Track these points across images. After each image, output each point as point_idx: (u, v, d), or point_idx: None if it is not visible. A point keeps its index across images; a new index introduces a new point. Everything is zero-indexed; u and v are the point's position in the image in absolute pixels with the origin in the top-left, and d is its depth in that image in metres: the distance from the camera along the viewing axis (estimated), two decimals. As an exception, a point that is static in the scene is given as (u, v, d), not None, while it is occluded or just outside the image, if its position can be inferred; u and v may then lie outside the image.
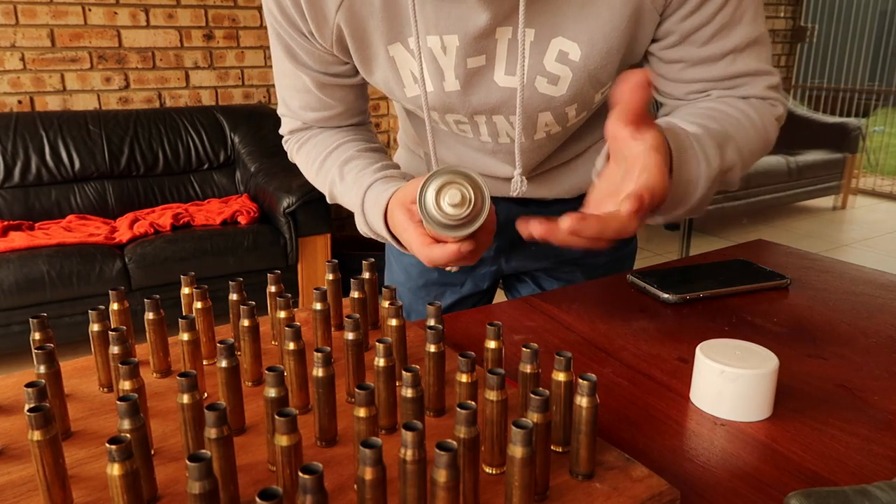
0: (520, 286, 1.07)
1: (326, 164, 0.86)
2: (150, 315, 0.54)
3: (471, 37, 0.69)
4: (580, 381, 0.42)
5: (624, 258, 1.05)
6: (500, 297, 1.07)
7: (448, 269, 0.70)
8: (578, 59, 0.70)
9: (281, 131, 0.93)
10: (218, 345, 0.47)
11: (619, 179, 0.60)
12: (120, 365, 0.44)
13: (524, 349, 0.48)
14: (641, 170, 0.57)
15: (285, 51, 0.80)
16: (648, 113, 0.59)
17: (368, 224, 0.80)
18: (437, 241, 0.65)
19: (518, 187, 0.78)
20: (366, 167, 0.82)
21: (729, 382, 0.54)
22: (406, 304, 1.04)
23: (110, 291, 0.56)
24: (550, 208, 0.94)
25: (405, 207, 0.70)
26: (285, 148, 0.94)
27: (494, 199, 0.88)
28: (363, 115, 0.92)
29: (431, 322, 0.55)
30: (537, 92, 0.73)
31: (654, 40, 0.73)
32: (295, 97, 0.86)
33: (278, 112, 0.91)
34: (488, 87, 0.74)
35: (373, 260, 0.67)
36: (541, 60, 0.71)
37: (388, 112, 3.85)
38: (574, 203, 0.94)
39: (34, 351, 0.46)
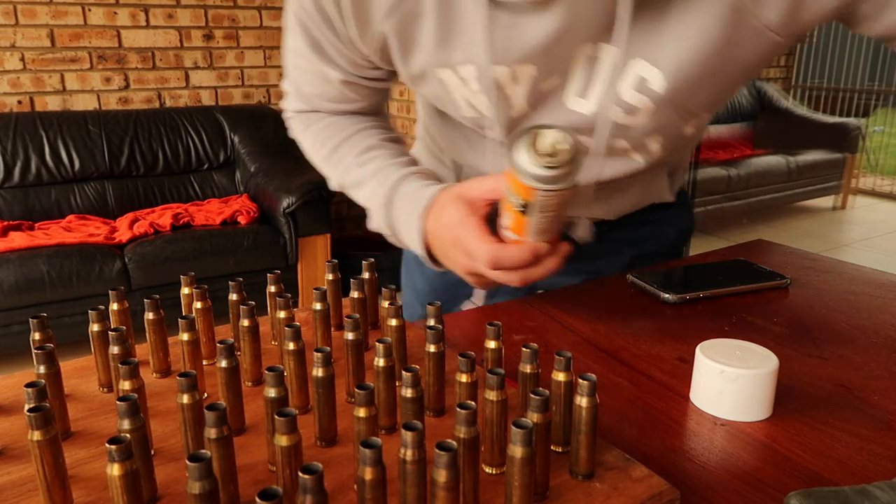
0: None
1: (341, 150, 0.78)
2: (149, 315, 0.54)
3: (549, 60, 0.60)
4: (580, 381, 0.42)
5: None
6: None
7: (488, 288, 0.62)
8: (661, 90, 0.60)
9: (285, 106, 0.84)
10: (218, 345, 0.47)
11: None
12: (120, 365, 0.44)
13: (524, 349, 0.48)
14: None
15: (311, 45, 0.71)
16: None
17: (390, 219, 0.72)
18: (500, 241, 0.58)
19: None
20: (390, 158, 0.75)
21: (729, 382, 0.54)
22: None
23: (110, 291, 0.56)
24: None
25: (464, 201, 0.61)
26: (287, 123, 0.85)
27: None
28: (383, 111, 0.84)
29: (431, 322, 0.55)
30: (609, 120, 0.64)
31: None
32: (311, 84, 0.77)
33: (283, 87, 0.83)
34: (558, 110, 0.65)
35: (372, 260, 0.67)
36: (617, 86, 0.61)
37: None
38: (613, 224, 0.86)
39: (34, 351, 0.46)
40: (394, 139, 0.80)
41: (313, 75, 0.76)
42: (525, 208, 0.54)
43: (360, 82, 0.75)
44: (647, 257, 0.93)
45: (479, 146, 0.78)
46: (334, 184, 0.81)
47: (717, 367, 0.54)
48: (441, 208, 0.64)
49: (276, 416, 0.37)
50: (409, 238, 0.69)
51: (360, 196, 0.77)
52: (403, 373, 0.43)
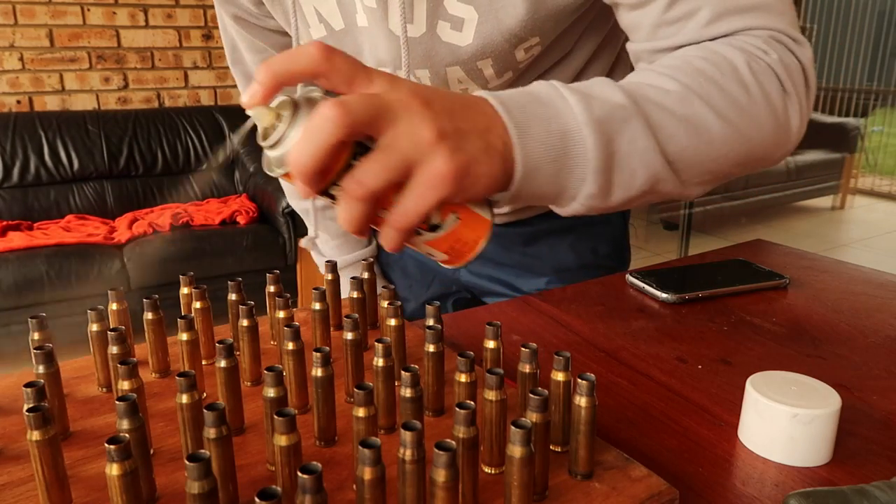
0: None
1: None
2: (148, 315, 0.54)
3: None
4: (579, 380, 0.42)
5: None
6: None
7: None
8: None
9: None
10: (217, 345, 0.47)
11: None
12: (119, 365, 0.44)
13: (523, 349, 0.48)
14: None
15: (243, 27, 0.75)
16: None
17: None
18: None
19: None
20: None
21: (802, 426, 0.48)
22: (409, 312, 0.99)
23: (109, 291, 0.56)
24: None
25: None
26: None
27: None
28: None
29: (431, 322, 0.55)
30: (441, 41, 0.61)
31: None
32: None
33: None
34: (387, 37, 0.62)
35: (372, 260, 0.67)
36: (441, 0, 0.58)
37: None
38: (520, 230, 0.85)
39: (33, 351, 0.46)
40: None
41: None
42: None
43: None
44: (570, 273, 0.85)
45: None
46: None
47: (789, 410, 0.47)
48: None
49: (275, 416, 0.37)
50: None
51: None
52: (402, 373, 0.43)
